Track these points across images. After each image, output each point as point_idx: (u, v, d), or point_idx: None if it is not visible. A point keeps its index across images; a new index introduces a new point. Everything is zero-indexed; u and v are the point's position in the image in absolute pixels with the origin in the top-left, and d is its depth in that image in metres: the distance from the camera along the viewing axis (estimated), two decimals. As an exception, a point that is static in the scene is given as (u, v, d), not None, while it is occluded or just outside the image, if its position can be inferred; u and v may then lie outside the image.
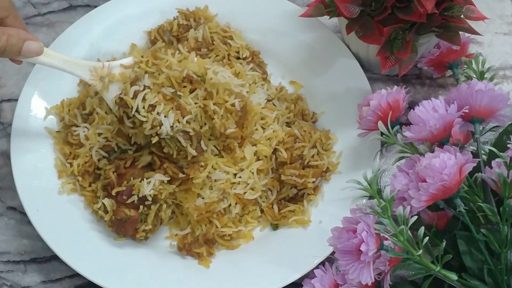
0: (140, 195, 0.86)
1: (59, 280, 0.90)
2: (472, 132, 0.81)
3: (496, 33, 1.05)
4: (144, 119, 0.85)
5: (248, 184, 0.90)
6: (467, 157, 0.74)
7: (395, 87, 0.85)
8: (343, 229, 0.73)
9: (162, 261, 0.88)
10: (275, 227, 0.91)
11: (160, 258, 0.89)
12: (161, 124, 0.84)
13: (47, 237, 0.87)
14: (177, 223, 0.91)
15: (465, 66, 0.88)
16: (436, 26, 0.87)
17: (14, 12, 0.84)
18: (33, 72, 0.97)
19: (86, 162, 0.92)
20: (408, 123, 0.77)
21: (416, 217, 0.69)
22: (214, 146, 0.90)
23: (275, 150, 0.91)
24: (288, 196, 0.92)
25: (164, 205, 0.88)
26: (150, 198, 0.86)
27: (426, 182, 0.71)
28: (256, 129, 0.92)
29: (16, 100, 0.96)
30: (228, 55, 0.97)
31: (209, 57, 0.95)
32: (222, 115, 0.88)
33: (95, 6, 1.03)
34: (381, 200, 0.70)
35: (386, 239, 0.70)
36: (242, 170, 0.90)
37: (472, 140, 0.84)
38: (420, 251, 0.69)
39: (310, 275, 0.84)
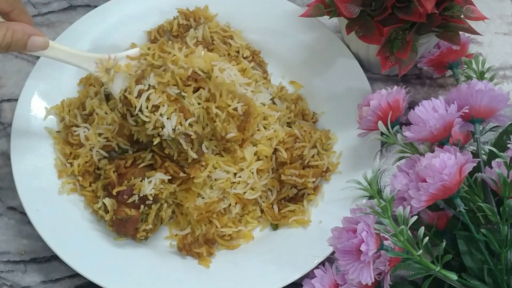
0: (141, 195, 0.86)
1: (59, 280, 0.90)
2: (472, 132, 0.81)
3: (496, 33, 1.05)
4: (147, 119, 0.85)
5: (248, 184, 0.90)
6: (467, 157, 0.74)
7: (395, 87, 0.85)
8: (343, 229, 0.73)
9: (162, 261, 0.89)
10: (275, 227, 0.91)
11: (160, 258, 0.89)
12: (163, 126, 0.84)
13: (47, 237, 0.87)
14: (177, 223, 0.91)
15: (465, 66, 0.88)
16: (436, 26, 0.87)
17: (20, 6, 0.83)
18: (33, 72, 0.97)
19: (86, 162, 0.92)
20: (408, 123, 0.77)
21: (416, 217, 0.69)
22: (215, 146, 0.90)
23: (275, 150, 0.91)
24: (288, 196, 0.92)
25: (165, 205, 0.88)
26: (151, 198, 0.86)
27: (426, 182, 0.71)
28: (258, 129, 0.92)
29: (16, 100, 0.96)
30: (228, 54, 0.98)
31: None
32: (224, 119, 0.88)
33: (95, 6, 1.03)
34: (381, 200, 0.70)
35: (386, 239, 0.70)
36: (242, 169, 0.90)
37: (472, 140, 0.84)
38: (420, 251, 0.69)
39: (310, 275, 0.84)
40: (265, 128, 0.92)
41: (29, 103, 0.95)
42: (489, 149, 0.76)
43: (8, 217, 0.94)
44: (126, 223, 0.87)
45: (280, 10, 1.01)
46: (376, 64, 0.96)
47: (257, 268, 0.87)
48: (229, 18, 1.01)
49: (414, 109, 0.77)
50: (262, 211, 0.92)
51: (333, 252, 0.75)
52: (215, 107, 0.87)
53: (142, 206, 0.87)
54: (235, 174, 0.90)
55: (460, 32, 0.88)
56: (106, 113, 0.92)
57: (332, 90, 0.97)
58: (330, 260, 0.83)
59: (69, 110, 0.95)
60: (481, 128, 0.81)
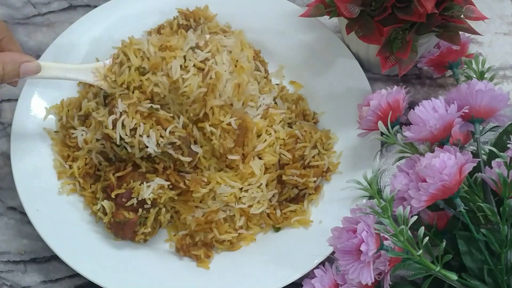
0: (140, 198, 0.86)
1: (59, 280, 0.90)
2: (472, 132, 0.81)
3: (496, 33, 1.05)
4: (131, 145, 0.86)
5: (256, 197, 0.89)
6: (467, 157, 0.74)
7: (395, 87, 0.85)
8: (343, 229, 0.73)
9: (162, 261, 0.88)
10: (277, 229, 0.91)
11: (160, 258, 0.89)
12: (146, 146, 0.85)
13: (47, 237, 0.87)
14: (175, 227, 0.91)
15: (465, 66, 0.88)
16: (436, 26, 0.87)
17: (8, 34, 0.84)
18: (33, 72, 0.97)
19: (86, 164, 0.92)
20: (408, 123, 0.77)
21: (416, 217, 0.69)
22: (216, 164, 0.90)
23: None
24: (289, 197, 0.92)
25: (163, 209, 0.88)
26: (149, 202, 0.86)
27: (426, 182, 0.71)
28: (259, 136, 0.91)
29: (16, 100, 0.96)
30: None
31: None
32: (219, 135, 0.87)
33: (95, 6, 1.03)
34: (381, 200, 0.70)
35: (386, 239, 0.70)
36: (250, 184, 0.89)
37: (472, 140, 0.84)
38: (420, 251, 0.69)
39: (310, 275, 0.84)
40: (267, 132, 0.92)
41: (29, 103, 0.95)
42: (489, 149, 0.76)
43: (8, 217, 0.94)
44: (124, 226, 0.87)
45: (280, 10, 1.01)
46: (376, 64, 0.95)
47: (257, 268, 0.87)
48: (229, 18, 1.01)
49: (414, 109, 0.77)
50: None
51: (333, 252, 0.75)
52: (209, 125, 0.87)
53: (140, 210, 0.87)
54: (240, 189, 0.89)
55: (460, 32, 0.88)
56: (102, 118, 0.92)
57: (332, 90, 0.97)
58: (330, 260, 0.83)
59: (68, 110, 0.95)
60: (481, 128, 0.81)
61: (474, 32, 0.89)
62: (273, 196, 0.91)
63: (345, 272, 0.72)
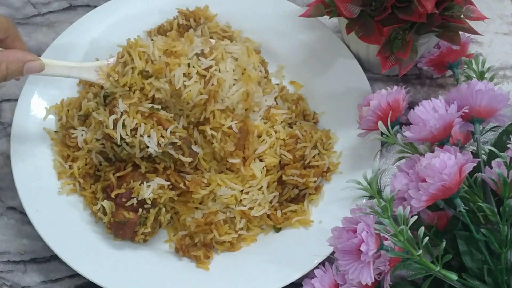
0: (140, 198, 0.86)
1: (59, 280, 0.90)
2: (472, 132, 0.81)
3: (496, 33, 1.05)
4: (132, 145, 0.86)
5: (257, 200, 0.89)
6: (467, 157, 0.74)
7: (395, 87, 0.85)
8: (343, 229, 0.73)
9: (162, 261, 0.88)
10: (277, 230, 0.91)
11: (160, 258, 0.89)
12: (147, 146, 0.85)
13: (47, 237, 0.87)
14: (175, 228, 0.91)
15: (465, 66, 0.88)
16: (436, 26, 0.87)
17: (13, 31, 0.84)
18: (33, 72, 0.97)
19: (86, 164, 0.92)
20: (408, 123, 0.77)
21: (416, 217, 0.69)
22: (217, 166, 0.90)
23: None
24: (290, 197, 0.92)
25: (163, 210, 0.88)
26: (149, 202, 0.86)
27: (426, 182, 0.71)
28: (259, 137, 0.91)
29: (16, 100, 0.96)
30: None
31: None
32: (220, 139, 0.87)
33: (95, 6, 1.03)
34: (381, 200, 0.70)
35: (386, 239, 0.70)
36: (251, 187, 0.89)
37: (472, 140, 0.84)
38: (420, 251, 0.69)
39: (310, 275, 0.84)
40: (267, 133, 0.92)
41: (29, 103, 0.95)
42: (489, 149, 0.76)
43: (8, 217, 0.94)
44: (124, 226, 0.87)
45: (280, 10, 1.01)
46: (376, 64, 0.95)
47: (257, 268, 0.87)
48: (229, 18, 1.01)
49: (414, 109, 0.77)
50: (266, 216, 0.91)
51: (333, 252, 0.75)
52: (210, 128, 0.87)
53: (140, 210, 0.87)
54: (241, 191, 0.89)
55: (460, 32, 0.88)
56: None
57: (332, 90, 0.97)
58: (330, 260, 0.83)
59: (68, 110, 0.95)
60: (481, 128, 0.81)
61: (474, 32, 0.89)
62: (274, 197, 0.91)
63: (345, 272, 0.72)
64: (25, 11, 1.08)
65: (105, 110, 0.90)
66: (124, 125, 0.85)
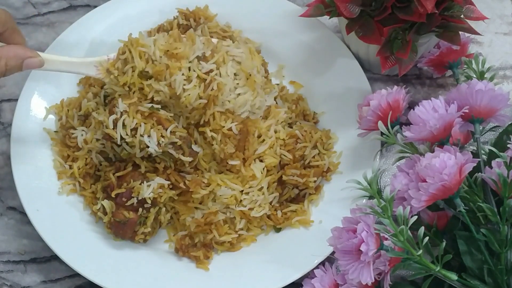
0: (140, 198, 0.86)
1: (59, 280, 0.90)
2: (472, 132, 0.81)
3: (496, 33, 1.05)
4: (132, 145, 0.86)
5: (257, 201, 0.89)
6: (467, 157, 0.74)
7: (395, 87, 0.85)
8: (343, 229, 0.73)
9: (162, 261, 0.88)
10: (278, 230, 0.91)
11: (160, 258, 0.89)
12: (148, 145, 0.85)
13: (47, 237, 0.87)
14: (175, 228, 0.91)
15: (465, 66, 0.88)
16: (436, 26, 0.87)
17: (12, 26, 0.84)
18: (33, 72, 0.96)
19: (86, 164, 0.92)
20: (408, 123, 0.77)
21: (416, 217, 0.69)
22: (217, 167, 0.90)
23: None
24: (290, 197, 0.92)
25: (163, 209, 0.88)
26: (149, 201, 0.86)
27: (426, 182, 0.71)
28: (259, 137, 0.91)
29: (16, 100, 0.96)
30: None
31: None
32: (220, 140, 0.87)
33: (95, 6, 1.03)
34: (381, 200, 0.70)
35: (386, 239, 0.70)
36: (251, 187, 0.89)
37: (472, 140, 0.84)
38: (420, 251, 0.69)
39: (310, 275, 0.84)
40: (267, 132, 0.92)
41: (29, 103, 0.95)
42: (489, 149, 0.76)
43: (8, 217, 0.94)
44: (124, 225, 0.87)
45: (280, 10, 1.01)
46: (376, 64, 0.96)
47: (257, 268, 0.87)
48: (229, 18, 1.01)
49: (414, 109, 0.77)
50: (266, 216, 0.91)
51: (333, 252, 0.75)
52: (210, 130, 0.87)
53: (140, 209, 0.87)
54: (241, 191, 0.89)
55: (460, 32, 0.88)
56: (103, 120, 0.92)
57: (332, 90, 0.97)
58: (330, 260, 0.83)
59: (68, 110, 0.95)
60: (481, 128, 0.81)
61: (474, 32, 0.89)
62: (274, 198, 0.91)
63: (345, 272, 0.72)
64: (25, 11, 1.08)
65: (105, 110, 0.90)
66: (124, 125, 0.85)
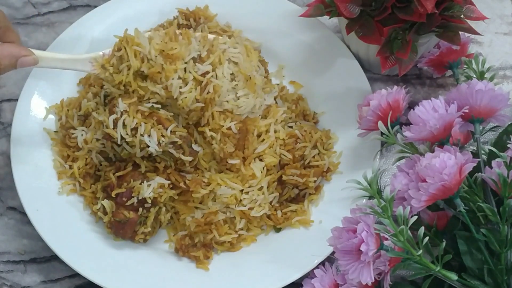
0: (140, 198, 0.86)
1: (59, 280, 0.90)
2: (472, 132, 0.81)
3: (496, 33, 1.05)
4: (133, 144, 0.86)
5: (257, 200, 0.89)
6: (467, 157, 0.74)
7: (395, 87, 0.85)
8: (343, 229, 0.73)
9: (162, 261, 0.88)
10: (278, 230, 0.91)
11: (160, 258, 0.89)
12: (147, 145, 0.85)
13: (47, 237, 0.87)
14: (175, 228, 0.91)
15: (465, 66, 0.88)
16: (436, 26, 0.87)
17: (5, 24, 0.84)
18: (33, 72, 0.96)
19: (86, 164, 0.92)
20: (408, 123, 0.77)
21: (416, 217, 0.69)
22: (217, 166, 0.90)
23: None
24: (290, 197, 0.92)
25: (163, 209, 0.88)
26: (149, 201, 0.86)
27: (426, 182, 0.71)
28: (259, 136, 0.91)
29: (16, 100, 0.96)
30: None
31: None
32: (220, 140, 0.87)
33: (95, 6, 1.03)
34: (381, 200, 0.70)
35: (386, 239, 0.70)
36: (251, 186, 0.89)
37: (472, 140, 0.84)
38: (420, 251, 0.69)
39: (310, 275, 0.84)
40: (267, 132, 0.92)
41: (29, 103, 0.95)
42: (489, 149, 0.76)
43: (8, 217, 0.94)
44: (125, 225, 0.87)
45: (280, 10, 1.01)
46: (376, 64, 0.96)
47: (257, 268, 0.87)
48: (229, 18, 1.01)
49: (414, 109, 0.77)
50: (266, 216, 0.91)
51: (333, 252, 0.75)
52: (209, 129, 0.87)
53: (140, 209, 0.87)
54: (241, 191, 0.89)
55: (460, 32, 0.88)
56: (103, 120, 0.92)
57: (332, 90, 0.97)
58: (330, 260, 0.83)
59: (68, 110, 0.95)
60: (481, 128, 0.81)
61: (474, 32, 0.89)
62: (274, 198, 0.91)
63: (345, 272, 0.72)
64: (25, 11, 1.08)
65: (105, 110, 0.90)
66: (124, 125, 0.85)
